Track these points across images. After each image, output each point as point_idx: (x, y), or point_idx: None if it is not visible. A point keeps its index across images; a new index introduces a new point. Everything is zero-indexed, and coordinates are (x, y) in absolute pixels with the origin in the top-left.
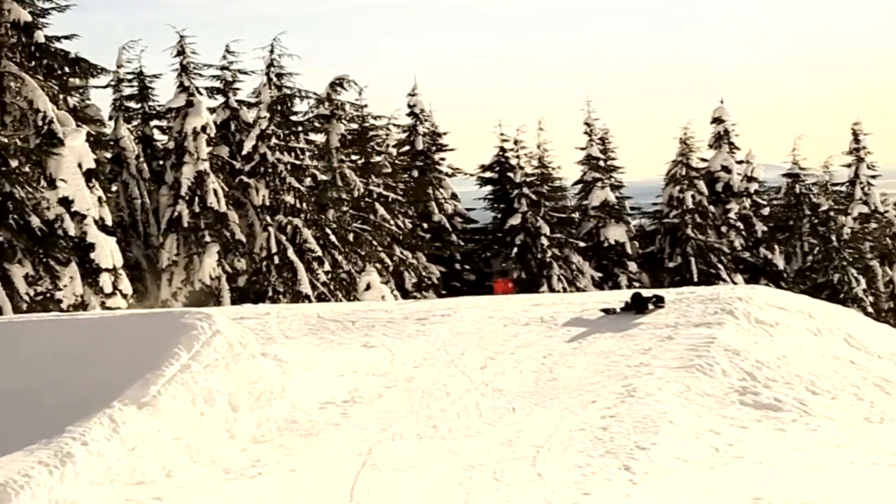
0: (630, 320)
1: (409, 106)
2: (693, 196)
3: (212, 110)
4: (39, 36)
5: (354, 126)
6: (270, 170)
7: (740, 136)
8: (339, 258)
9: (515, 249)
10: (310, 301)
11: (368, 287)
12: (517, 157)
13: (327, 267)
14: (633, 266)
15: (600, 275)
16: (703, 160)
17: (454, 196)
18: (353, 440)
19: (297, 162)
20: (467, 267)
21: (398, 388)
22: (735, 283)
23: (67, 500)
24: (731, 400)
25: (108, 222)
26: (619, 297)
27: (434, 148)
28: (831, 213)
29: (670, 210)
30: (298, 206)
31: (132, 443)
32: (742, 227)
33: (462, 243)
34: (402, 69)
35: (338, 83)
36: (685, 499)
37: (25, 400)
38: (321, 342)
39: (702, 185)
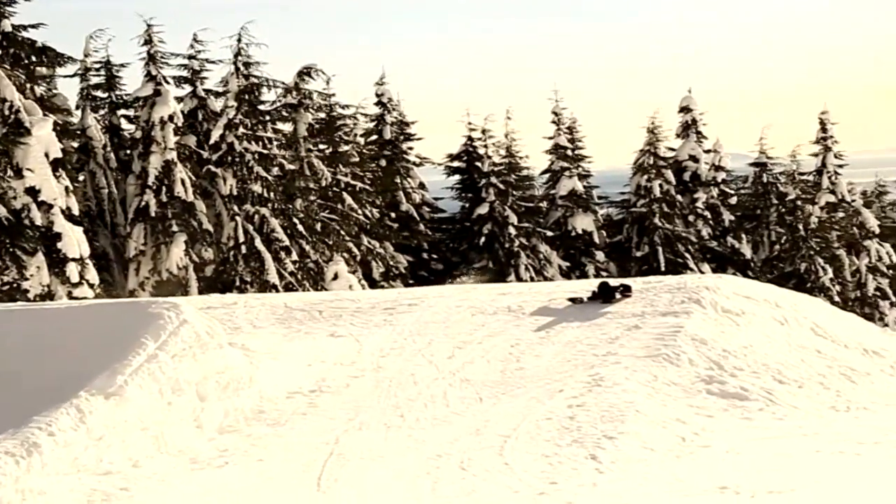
0: (597, 309)
1: (377, 95)
2: (660, 185)
3: (179, 99)
4: (6, 25)
5: (322, 115)
6: (238, 159)
7: (708, 125)
8: (307, 248)
9: (483, 239)
10: (277, 291)
11: (336, 277)
12: (485, 146)
13: (294, 256)
14: (600, 255)
15: (568, 264)
16: (671, 149)
17: (422, 185)
18: (320, 429)
19: (265, 151)
20: (435, 256)
21: (366, 378)
22: (702, 272)
23: (34, 490)
24: (697, 389)
25: (75, 212)
26: (586, 287)
27: (402, 137)
28: (798, 203)
29: (638, 199)
30: (266, 195)
31: (99, 433)
32: (709, 216)
33: (429, 233)
34: (371, 58)
35: (305, 72)
36: (652, 487)
37: None
38: (289, 332)
39: (669, 174)
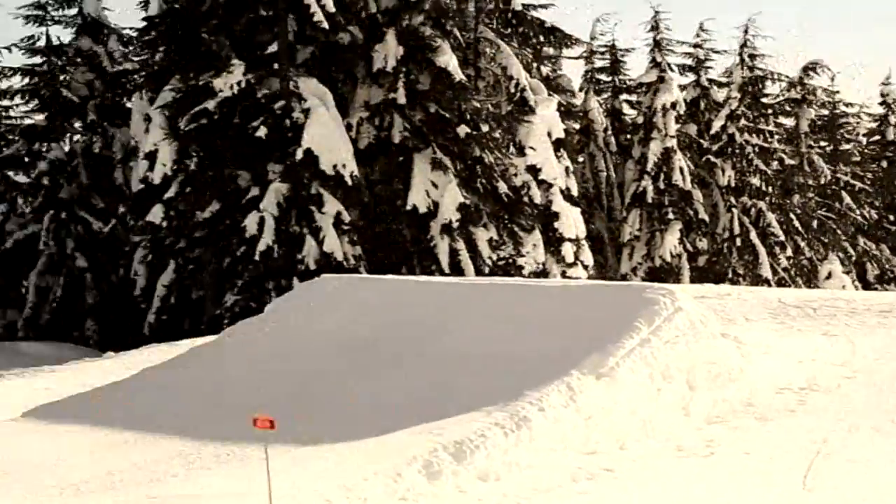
0: None
1: (882, 95)
2: None
3: (682, 87)
4: (517, 3)
5: (825, 112)
6: (738, 151)
7: None
8: (802, 244)
9: None
10: (769, 285)
11: (829, 276)
12: None
13: (789, 252)
14: None
15: None
16: None
17: None
18: (807, 428)
19: (765, 144)
20: None
21: (857, 380)
22: None
23: (521, 463)
24: None
25: (574, 193)
26: None
27: None
28: None
29: None
30: (764, 188)
31: (588, 412)
32: None
33: None
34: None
35: (810, 68)
36: None
37: (483, 362)
38: (781, 327)
39: None
